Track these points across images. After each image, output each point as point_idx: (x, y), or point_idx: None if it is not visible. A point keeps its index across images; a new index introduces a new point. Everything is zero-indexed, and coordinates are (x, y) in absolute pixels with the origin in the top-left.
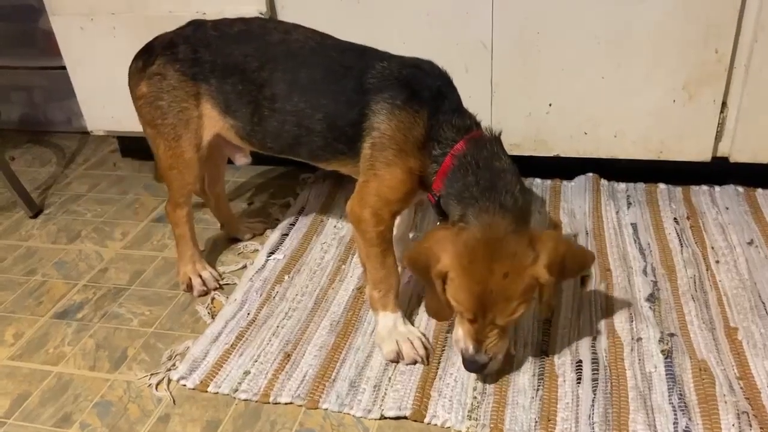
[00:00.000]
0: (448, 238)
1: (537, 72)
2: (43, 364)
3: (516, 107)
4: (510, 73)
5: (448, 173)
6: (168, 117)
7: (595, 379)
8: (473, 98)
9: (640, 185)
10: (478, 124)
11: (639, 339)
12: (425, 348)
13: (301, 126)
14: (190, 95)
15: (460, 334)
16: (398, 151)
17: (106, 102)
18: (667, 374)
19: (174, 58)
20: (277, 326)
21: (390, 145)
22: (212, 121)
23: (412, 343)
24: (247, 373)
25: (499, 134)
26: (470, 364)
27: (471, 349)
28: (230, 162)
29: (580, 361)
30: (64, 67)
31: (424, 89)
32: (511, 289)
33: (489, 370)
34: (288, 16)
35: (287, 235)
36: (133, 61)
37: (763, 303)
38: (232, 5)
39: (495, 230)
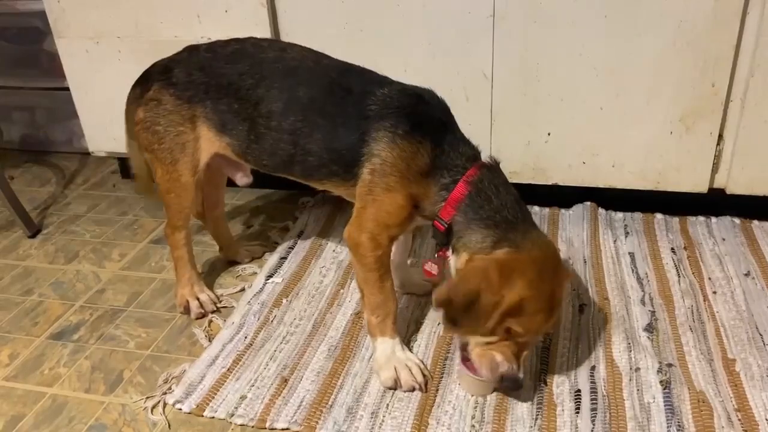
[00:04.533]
0: (513, 268)
1: (536, 101)
2: (38, 385)
3: (515, 136)
4: (510, 102)
5: (464, 200)
6: (165, 141)
7: (593, 409)
8: (473, 126)
9: (638, 215)
10: (479, 154)
11: (637, 369)
12: (423, 375)
13: (296, 145)
14: (185, 119)
15: (498, 358)
16: (400, 178)
17: (108, 124)
18: (665, 405)
19: (169, 83)
20: (275, 350)
21: (392, 172)
22: (209, 143)
23: (410, 369)
24: (243, 397)
25: (499, 163)
26: (514, 383)
27: (515, 367)
28: (230, 185)
29: (579, 391)
30: (66, 88)
31: (426, 119)
32: (562, 295)
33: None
34: None
35: (286, 258)
36: (131, 89)
37: (761, 335)
38: (237, 32)
39: (549, 246)
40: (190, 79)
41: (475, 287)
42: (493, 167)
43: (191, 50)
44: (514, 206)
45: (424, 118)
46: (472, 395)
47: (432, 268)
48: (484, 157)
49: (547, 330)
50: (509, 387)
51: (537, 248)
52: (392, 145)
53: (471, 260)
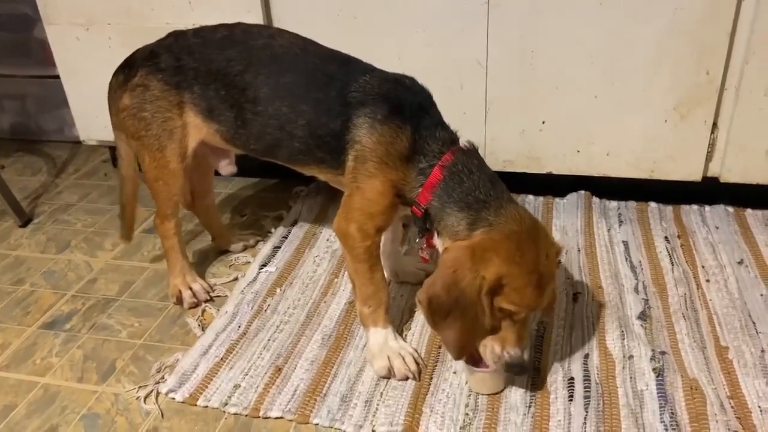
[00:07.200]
0: (485, 248)
1: (531, 90)
2: (30, 375)
3: (510, 124)
4: (504, 90)
5: (439, 184)
6: (152, 128)
7: (587, 397)
8: (468, 115)
9: (632, 203)
10: (458, 139)
11: (630, 357)
12: (417, 363)
13: (283, 130)
14: (173, 105)
15: (498, 349)
16: (379, 164)
17: (99, 112)
18: (658, 392)
19: (157, 68)
20: (269, 339)
21: (371, 157)
22: (196, 129)
23: (403, 358)
24: (237, 386)
25: (477, 148)
26: (518, 367)
27: (520, 351)
28: (219, 174)
29: (572, 379)
30: (57, 77)
31: (405, 104)
32: (552, 267)
33: None
34: None
35: (279, 247)
36: (113, 76)
37: (754, 322)
38: (229, 19)
39: (525, 219)
40: (179, 64)
41: (453, 276)
42: (469, 151)
43: (177, 36)
44: (486, 185)
45: (403, 103)
46: (484, 394)
47: (424, 253)
48: (465, 141)
49: (544, 304)
50: (515, 372)
51: (512, 222)
52: (371, 130)
53: (446, 250)
